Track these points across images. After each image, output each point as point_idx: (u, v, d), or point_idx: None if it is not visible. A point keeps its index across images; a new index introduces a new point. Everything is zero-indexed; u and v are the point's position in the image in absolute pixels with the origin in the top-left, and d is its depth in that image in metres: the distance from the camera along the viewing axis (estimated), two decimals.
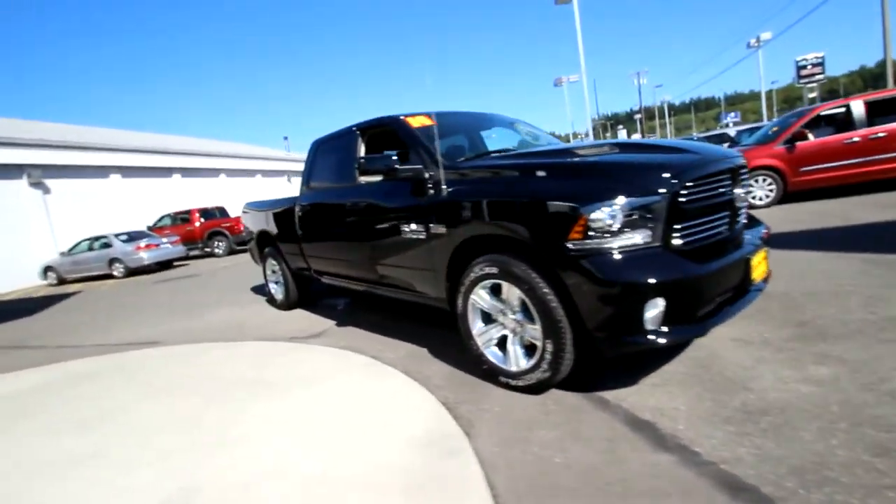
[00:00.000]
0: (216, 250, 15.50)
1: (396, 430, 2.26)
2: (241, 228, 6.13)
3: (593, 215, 1.99)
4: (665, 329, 1.99)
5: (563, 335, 2.15)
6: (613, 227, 1.99)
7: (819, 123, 7.70)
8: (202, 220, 15.91)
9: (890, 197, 6.65)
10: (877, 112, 6.93)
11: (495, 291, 2.51)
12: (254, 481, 1.96)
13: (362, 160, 2.89)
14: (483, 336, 2.60)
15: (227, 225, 15.49)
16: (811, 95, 36.08)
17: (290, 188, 29.98)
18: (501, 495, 1.69)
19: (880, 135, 6.71)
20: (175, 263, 14.77)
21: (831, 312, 2.91)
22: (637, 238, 1.99)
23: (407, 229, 2.92)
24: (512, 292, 2.36)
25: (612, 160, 2.19)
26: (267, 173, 28.40)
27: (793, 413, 1.94)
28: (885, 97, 7.11)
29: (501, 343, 2.56)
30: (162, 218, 16.53)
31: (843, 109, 7.24)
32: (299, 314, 4.98)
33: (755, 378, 2.26)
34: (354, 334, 3.95)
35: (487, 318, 2.63)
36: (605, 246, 2.00)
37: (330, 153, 4.02)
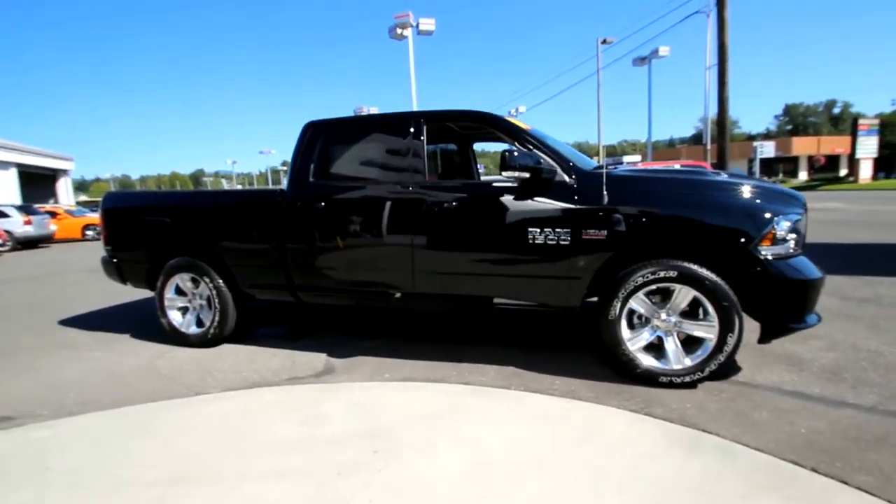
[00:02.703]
0: None
1: (630, 448, 2.12)
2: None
3: (779, 227, 2.47)
4: (807, 317, 2.60)
5: (741, 329, 2.51)
6: (785, 236, 2.50)
7: None
8: None
9: None
10: None
11: (652, 295, 2.67)
12: None
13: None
14: (634, 341, 2.70)
15: None
16: None
17: None
18: (822, 467, 1.89)
19: None
20: None
21: None
22: (791, 246, 2.56)
23: (541, 234, 2.75)
24: (683, 294, 2.59)
25: (774, 187, 2.74)
26: None
27: (853, 370, 2.81)
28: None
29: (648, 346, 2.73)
30: None
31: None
32: (239, 350, 3.69)
33: (794, 353, 3.11)
34: (382, 365, 3.27)
35: (630, 323, 2.75)
36: (781, 251, 2.50)
37: (367, 141, 3.29)
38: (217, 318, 3.70)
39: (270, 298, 3.80)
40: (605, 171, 2.70)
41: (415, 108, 19.80)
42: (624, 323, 2.70)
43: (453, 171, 4.36)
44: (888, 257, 6.41)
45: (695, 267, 2.53)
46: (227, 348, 3.78)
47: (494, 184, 2.90)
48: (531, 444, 2.16)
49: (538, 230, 2.76)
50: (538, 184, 2.76)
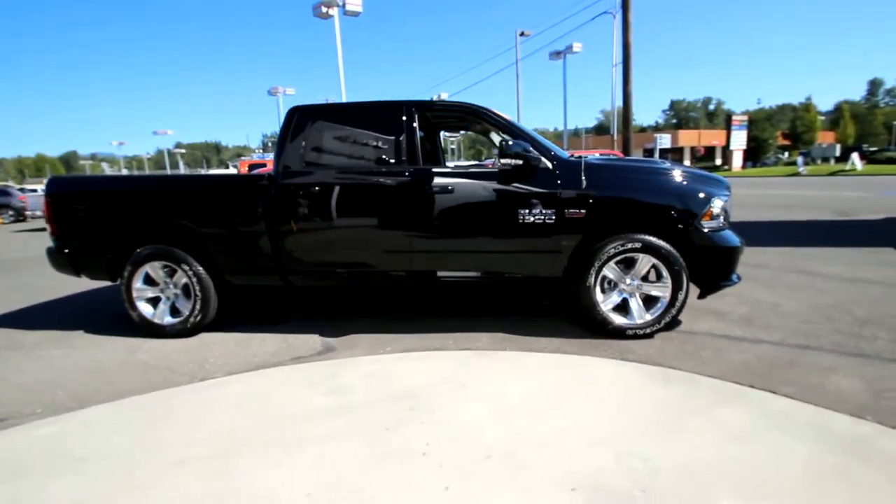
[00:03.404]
0: None
1: (620, 385, 2.62)
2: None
3: (715, 205, 3.10)
4: (732, 276, 3.29)
5: (688, 287, 3.13)
6: (719, 213, 3.15)
7: None
8: None
9: None
10: None
11: (619, 263, 3.20)
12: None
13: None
14: (606, 302, 3.22)
15: None
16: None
17: None
18: (756, 384, 2.51)
19: None
20: None
21: None
22: (722, 221, 3.21)
23: (528, 214, 3.13)
24: (644, 262, 3.14)
25: (707, 174, 3.36)
26: None
27: (760, 317, 3.60)
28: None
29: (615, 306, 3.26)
30: None
31: None
32: (224, 338, 3.65)
33: (717, 307, 3.87)
34: (379, 340, 3.48)
35: (602, 288, 3.26)
36: (716, 225, 3.14)
37: (362, 127, 3.40)
38: (198, 306, 3.61)
39: (251, 284, 3.79)
40: (583, 159, 3.15)
41: (343, 89, 19.28)
42: (598, 288, 3.21)
43: (424, 158, 4.58)
44: (765, 231, 7.85)
45: (654, 239, 3.09)
46: (209, 337, 3.70)
47: (491, 169, 3.23)
48: (540, 391, 2.55)
49: (527, 211, 3.15)
50: (528, 170, 3.13)
